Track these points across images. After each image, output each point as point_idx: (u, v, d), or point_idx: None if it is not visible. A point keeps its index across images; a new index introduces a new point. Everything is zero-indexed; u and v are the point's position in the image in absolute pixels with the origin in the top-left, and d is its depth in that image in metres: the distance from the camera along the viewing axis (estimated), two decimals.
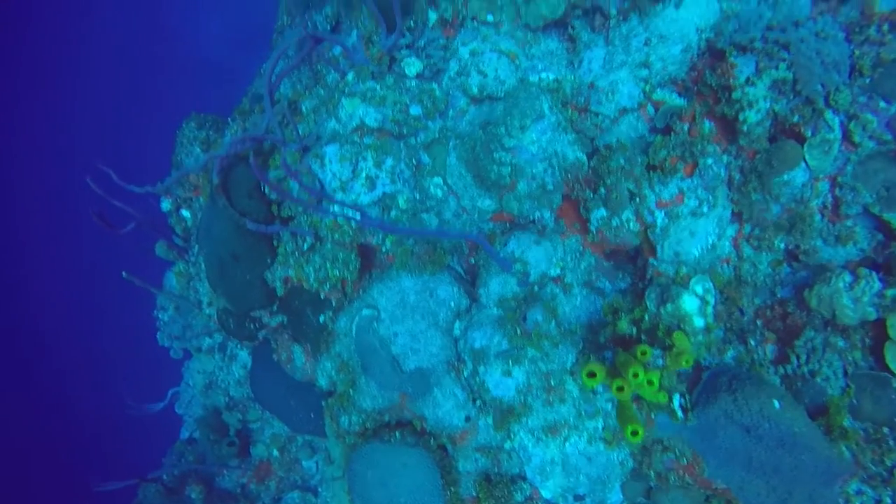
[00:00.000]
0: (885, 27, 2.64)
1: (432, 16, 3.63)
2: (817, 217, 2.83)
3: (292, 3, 4.84)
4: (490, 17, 3.47)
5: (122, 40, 11.66)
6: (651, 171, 2.78)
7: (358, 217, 2.85)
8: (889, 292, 2.54)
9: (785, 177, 2.66)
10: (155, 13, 11.68)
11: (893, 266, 2.64)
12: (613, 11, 3.23)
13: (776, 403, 2.29)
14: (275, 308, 3.26)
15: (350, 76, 3.42)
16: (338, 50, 3.69)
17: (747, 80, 2.61)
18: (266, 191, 3.14)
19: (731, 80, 2.64)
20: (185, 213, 4.21)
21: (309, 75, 3.79)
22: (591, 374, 2.13)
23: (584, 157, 2.94)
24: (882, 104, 2.70)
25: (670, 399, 2.44)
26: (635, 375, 2.03)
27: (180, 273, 3.97)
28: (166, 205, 4.25)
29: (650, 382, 2.04)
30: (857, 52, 2.65)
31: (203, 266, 3.28)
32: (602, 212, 2.79)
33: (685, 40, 3.03)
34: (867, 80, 2.67)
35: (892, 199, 2.75)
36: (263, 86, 3.52)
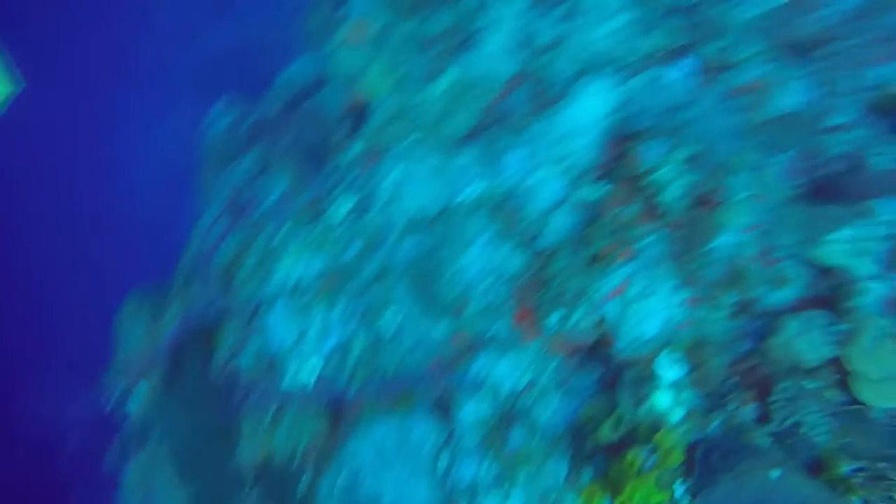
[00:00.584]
0: (759, 92, 2.93)
1: (356, 147, 3.77)
2: (753, 267, 2.97)
3: (216, 154, 4.94)
4: (410, 138, 3.63)
5: (46, 205, 11.44)
6: (593, 263, 2.86)
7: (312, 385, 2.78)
8: (835, 328, 2.65)
9: (713, 243, 2.80)
10: (76, 169, 11.60)
11: (832, 301, 2.78)
12: (523, 113, 3.45)
13: (775, 473, 2.28)
14: (249, 488, 3.06)
15: (285, 227, 3.45)
16: (270, 201, 3.74)
17: (657, 163, 2.79)
18: (219, 370, 3.04)
19: (643, 166, 2.82)
20: (132, 405, 3.94)
21: (245, 230, 3.80)
22: (591, 495, 2.06)
23: (527, 262, 3.02)
24: (777, 156, 2.95)
25: (673, 493, 2.39)
26: (634, 490, 1.98)
27: (136, 475, 3.68)
28: (111, 400, 3.99)
29: (650, 495, 1.99)
30: (745, 117, 2.91)
31: (163, 462, 3.08)
32: (556, 313, 2.83)
33: (593, 129, 3.24)
34: (760, 139, 2.92)
35: (812, 238, 2.93)
36: (200, 251, 3.50)
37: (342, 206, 3.42)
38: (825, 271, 2.82)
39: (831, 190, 2.91)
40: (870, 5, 2.90)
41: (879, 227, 2.84)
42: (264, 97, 4.72)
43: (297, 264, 3.29)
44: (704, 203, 2.88)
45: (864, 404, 2.60)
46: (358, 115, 3.95)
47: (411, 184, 3.41)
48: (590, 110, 3.25)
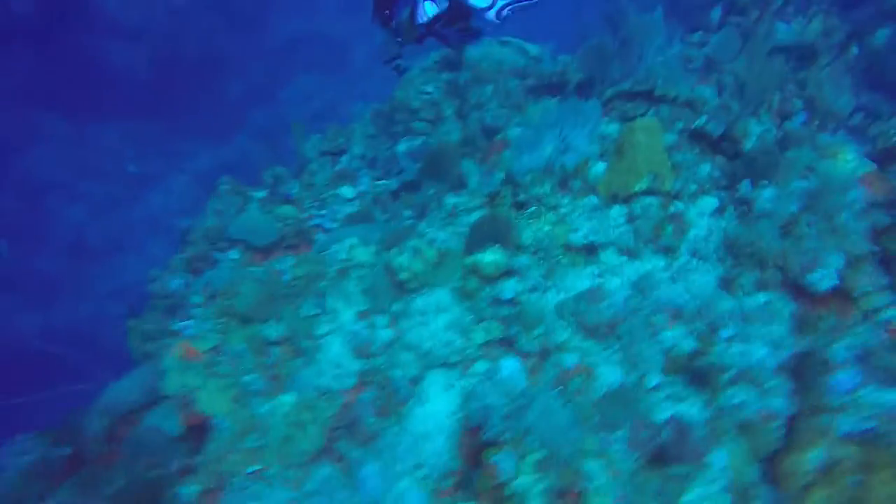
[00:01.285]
0: (583, 375, 3.22)
1: (192, 487, 3.30)
2: None
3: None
4: (253, 468, 3.29)
5: None
6: None
7: None
8: None
9: None
10: None
11: None
12: (372, 421, 3.36)
13: None
14: None
15: None
16: None
17: (513, 472, 2.79)
18: None
19: (499, 477, 2.79)
20: None
21: None
22: None
23: None
24: (615, 434, 3.14)
25: None
26: None
27: None
28: None
29: None
30: (577, 402, 3.12)
31: None
32: None
33: (444, 430, 3.23)
34: (596, 421, 3.12)
35: (670, 502, 3.03)
36: None
37: None
38: None
39: (669, 453, 3.11)
40: (640, 287, 3.48)
41: (719, 479, 3.04)
42: (79, 422, 4.08)
43: None
44: (567, 497, 2.87)
45: None
46: (194, 441, 3.56)
47: None
48: (436, 409, 3.28)
